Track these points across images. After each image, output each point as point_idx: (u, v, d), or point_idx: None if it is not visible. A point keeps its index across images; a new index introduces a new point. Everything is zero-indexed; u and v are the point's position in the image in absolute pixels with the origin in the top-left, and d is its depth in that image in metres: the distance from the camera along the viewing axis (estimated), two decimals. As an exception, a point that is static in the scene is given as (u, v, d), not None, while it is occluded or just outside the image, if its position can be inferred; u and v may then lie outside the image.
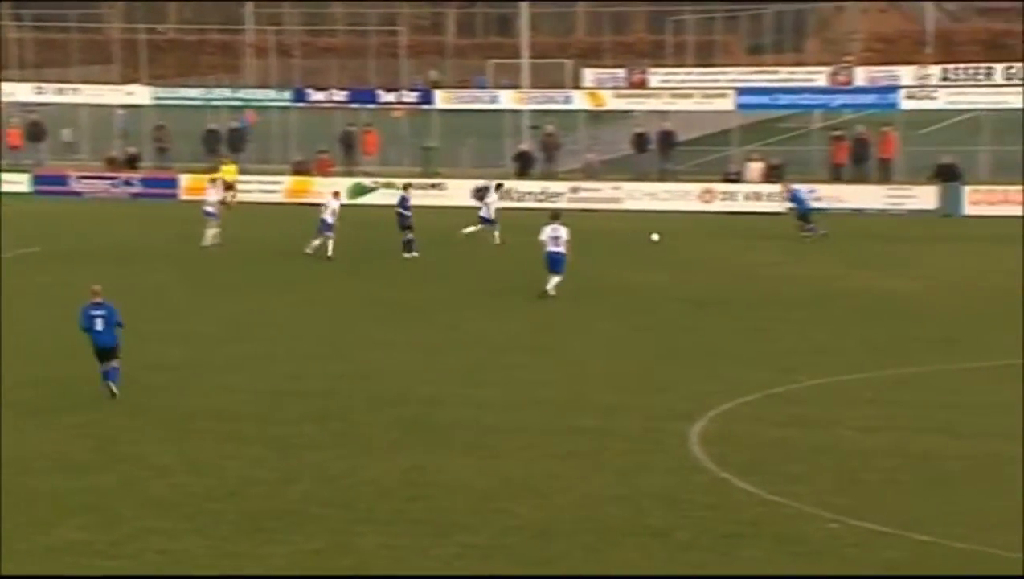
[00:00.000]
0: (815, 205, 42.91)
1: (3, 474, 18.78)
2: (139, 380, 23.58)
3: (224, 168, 50.65)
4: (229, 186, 49.69)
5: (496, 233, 40.06)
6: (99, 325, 23.07)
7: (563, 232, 31.84)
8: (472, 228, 40.54)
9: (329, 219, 37.71)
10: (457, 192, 49.60)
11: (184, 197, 50.53)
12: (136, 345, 24.02)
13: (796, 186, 43.35)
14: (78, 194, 52.75)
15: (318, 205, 39.59)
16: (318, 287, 34.34)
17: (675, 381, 24.46)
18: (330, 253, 37.35)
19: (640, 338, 28.45)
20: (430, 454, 19.99)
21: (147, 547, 16.27)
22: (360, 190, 48.38)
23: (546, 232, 32.00)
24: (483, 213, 40.98)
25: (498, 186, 43.92)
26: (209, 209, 40.35)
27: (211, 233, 39.88)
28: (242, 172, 51.88)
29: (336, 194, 39.55)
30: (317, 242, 37.63)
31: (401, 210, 38.41)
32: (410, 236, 38.01)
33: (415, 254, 37.73)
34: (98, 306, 23.26)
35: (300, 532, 16.77)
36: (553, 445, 20.50)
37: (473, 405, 22.85)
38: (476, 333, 28.95)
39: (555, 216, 33.04)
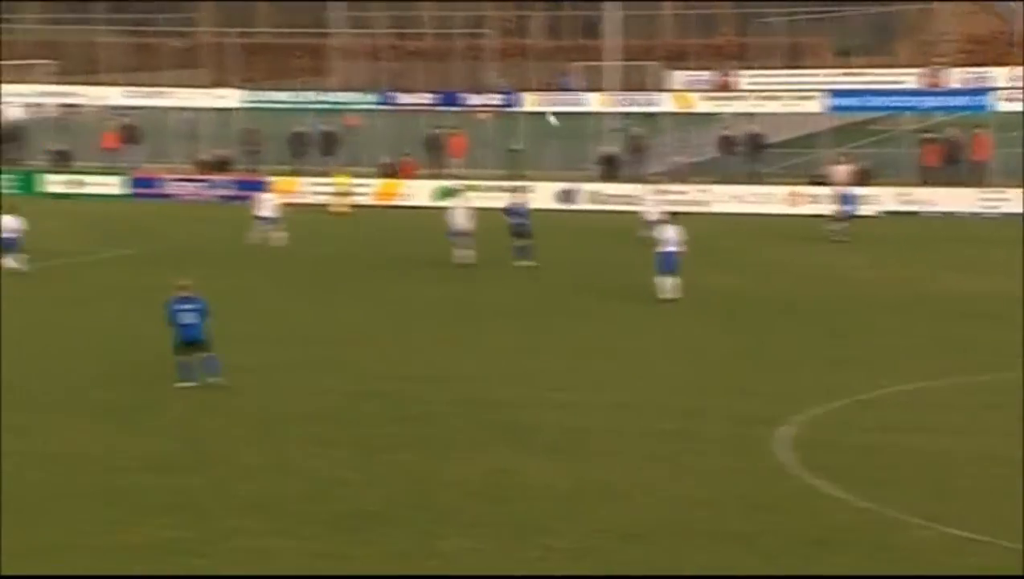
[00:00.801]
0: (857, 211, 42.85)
1: (90, 471, 19.09)
2: (225, 381, 23.84)
3: (337, 177, 51.15)
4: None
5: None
6: (190, 318, 23.42)
7: (679, 233, 31.99)
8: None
9: (461, 227, 37.18)
10: (543, 194, 49.65)
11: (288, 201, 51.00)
12: (223, 346, 24.28)
13: (847, 190, 43.41)
14: (172, 196, 53.48)
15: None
16: (406, 290, 34.52)
17: (759, 385, 24.29)
18: (465, 261, 36.71)
19: (724, 341, 28.29)
20: (513, 456, 20.01)
21: (235, 546, 16.44)
22: (445, 193, 48.63)
23: (662, 232, 32.12)
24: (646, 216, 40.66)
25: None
26: (266, 214, 41.01)
27: (270, 236, 40.44)
28: (330, 175, 52.31)
29: (464, 202, 39.29)
30: (464, 252, 37.10)
31: (512, 217, 37.43)
32: (525, 243, 36.96)
33: (528, 263, 36.60)
34: (188, 300, 23.61)
35: (384, 533, 16.86)
36: (636, 448, 20.44)
37: (556, 407, 22.84)
38: (560, 336, 28.94)
39: (671, 217, 33.16)
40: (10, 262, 35.49)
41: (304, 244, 40.81)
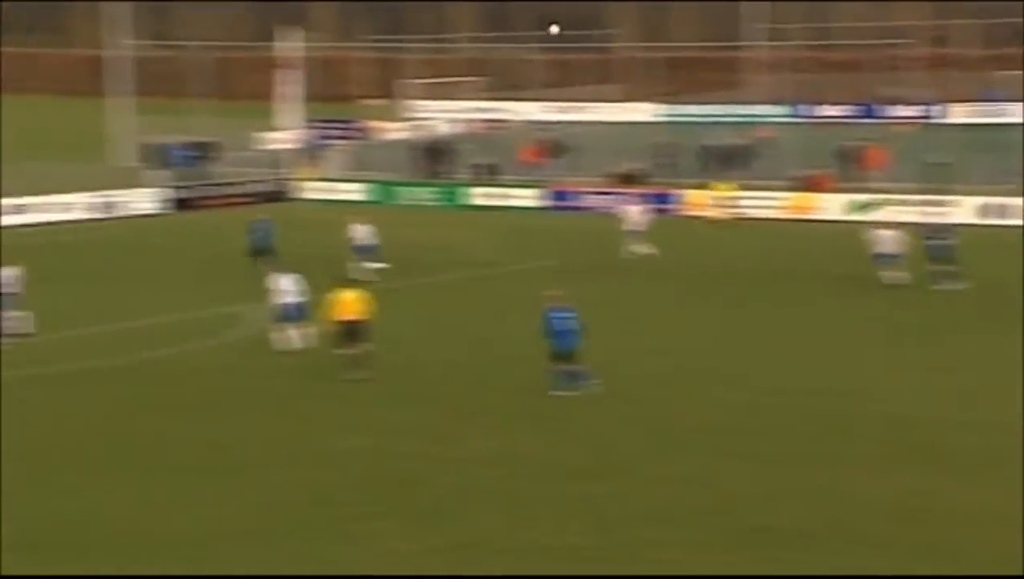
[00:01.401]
0: None
1: (499, 475, 19.58)
2: (630, 391, 24.00)
3: (718, 186, 50.92)
4: (726, 203, 50.02)
5: None
6: (570, 325, 23.86)
7: None
8: None
9: (887, 249, 35.67)
10: (966, 209, 47.62)
11: (685, 212, 51.18)
12: (623, 357, 24.40)
13: None
14: (586, 209, 54.43)
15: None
16: (808, 303, 33.81)
17: None
18: (896, 282, 34.94)
19: None
20: (928, 477, 19.26)
21: (640, 556, 16.49)
22: (859, 207, 47.42)
23: None
24: None
25: None
26: (634, 228, 41.21)
27: (638, 248, 40.53)
28: (743, 188, 51.92)
29: (889, 223, 37.75)
30: (894, 274, 35.43)
31: (932, 239, 35.50)
32: (948, 268, 34.85)
33: (954, 286, 34.53)
34: (565, 311, 24.01)
35: (793, 551, 16.52)
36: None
37: (972, 429, 21.85)
38: (980, 356, 27.65)
39: None
40: (370, 268, 36.60)
41: (697, 256, 40.69)
